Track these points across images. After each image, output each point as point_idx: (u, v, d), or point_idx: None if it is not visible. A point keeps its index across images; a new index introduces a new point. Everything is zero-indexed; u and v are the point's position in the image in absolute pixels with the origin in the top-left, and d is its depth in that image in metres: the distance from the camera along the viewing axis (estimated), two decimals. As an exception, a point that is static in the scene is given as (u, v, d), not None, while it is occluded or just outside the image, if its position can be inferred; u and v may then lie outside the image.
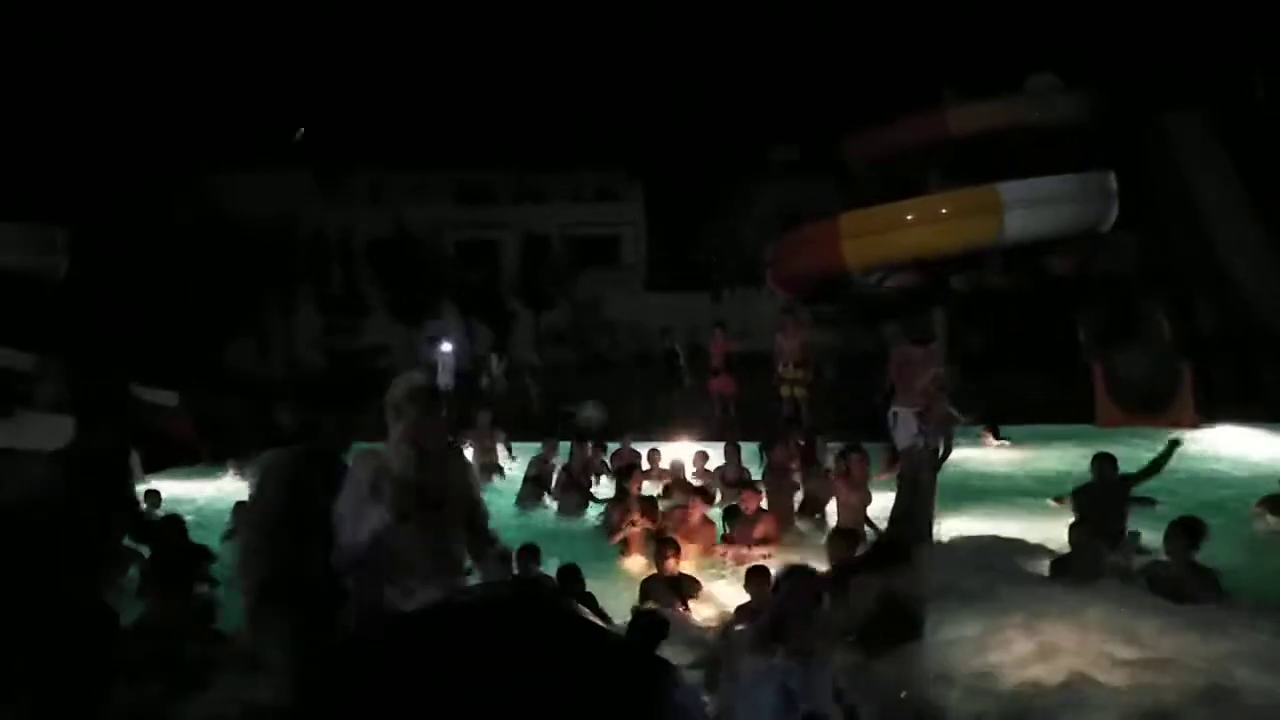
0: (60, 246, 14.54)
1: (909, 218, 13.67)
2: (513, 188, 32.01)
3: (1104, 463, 7.52)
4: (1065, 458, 11.11)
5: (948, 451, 7.87)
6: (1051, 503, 8.74)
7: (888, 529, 7.79)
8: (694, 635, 5.80)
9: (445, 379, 17.13)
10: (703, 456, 10.69)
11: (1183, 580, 5.67)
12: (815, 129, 20.37)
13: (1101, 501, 7.28)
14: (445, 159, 30.05)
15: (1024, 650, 5.05)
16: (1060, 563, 6.40)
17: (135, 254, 22.32)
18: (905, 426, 7.47)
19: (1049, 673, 4.81)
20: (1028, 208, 13.10)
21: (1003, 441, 12.42)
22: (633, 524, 8.07)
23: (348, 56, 27.50)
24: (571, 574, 6.20)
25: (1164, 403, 12.41)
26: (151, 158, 24.39)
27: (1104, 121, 15.83)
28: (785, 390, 13.52)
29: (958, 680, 4.89)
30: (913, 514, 7.53)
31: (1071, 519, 6.84)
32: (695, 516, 8.21)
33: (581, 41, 27.62)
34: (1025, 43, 18.45)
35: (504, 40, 28.30)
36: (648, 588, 6.45)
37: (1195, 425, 11.96)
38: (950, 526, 8.01)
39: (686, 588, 6.58)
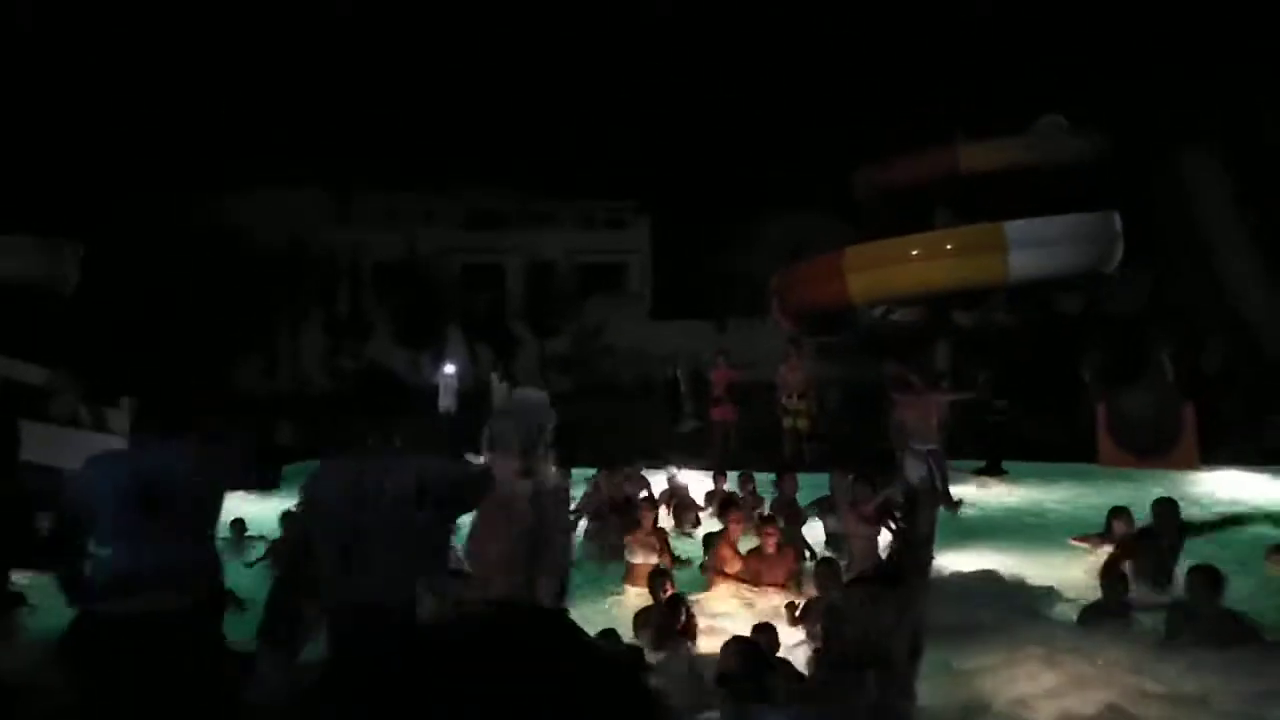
0: (70, 260, 14.59)
1: (914, 253, 13.72)
2: (521, 213, 32.18)
3: (1165, 508, 7.44)
4: (1067, 496, 11.09)
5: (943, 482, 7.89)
6: (1072, 541, 8.59)
7: (887, 562, 7.76)
8: (689, 667, 5.74)
9: (447, 401, 17.13)
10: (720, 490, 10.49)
11: (1217, 624, 5.62)
12: (824, 162, 20.50)
13: (1153, 547, 7.23)
14: (455, 184, 30.27)
15: (1051, 682, 5.07)
16: (1093, 607, 6.36)
17: (146, 270, 22.47)
18: (914, 462, 7.50)
19: (1082, 704, 4.81)
20: (1033, 247, 13.15)
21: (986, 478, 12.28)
22: (652, 549, 8.02)
23: (362, 80, 27.78)
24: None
25: (1166, 444, 12.39)
26: (163, 175, 24.61)
27: (1112, 161, 15.93)
28: (787, 421, 13.53)
29: (993, 710, 4.87)
30: (912, 549, 7.52)
31: (1099, 558, 6.79)
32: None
33: (591, 71, 27.88)
34: (1034, 82, 18.60)
35: (516, 68, 28.59)
36: (642, 618, 6.39)
37: (1196, 467, 11.95)
38: (955, 563, 8.01)
39: (682, 619, 6.50)
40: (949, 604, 6.53)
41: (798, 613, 6.50)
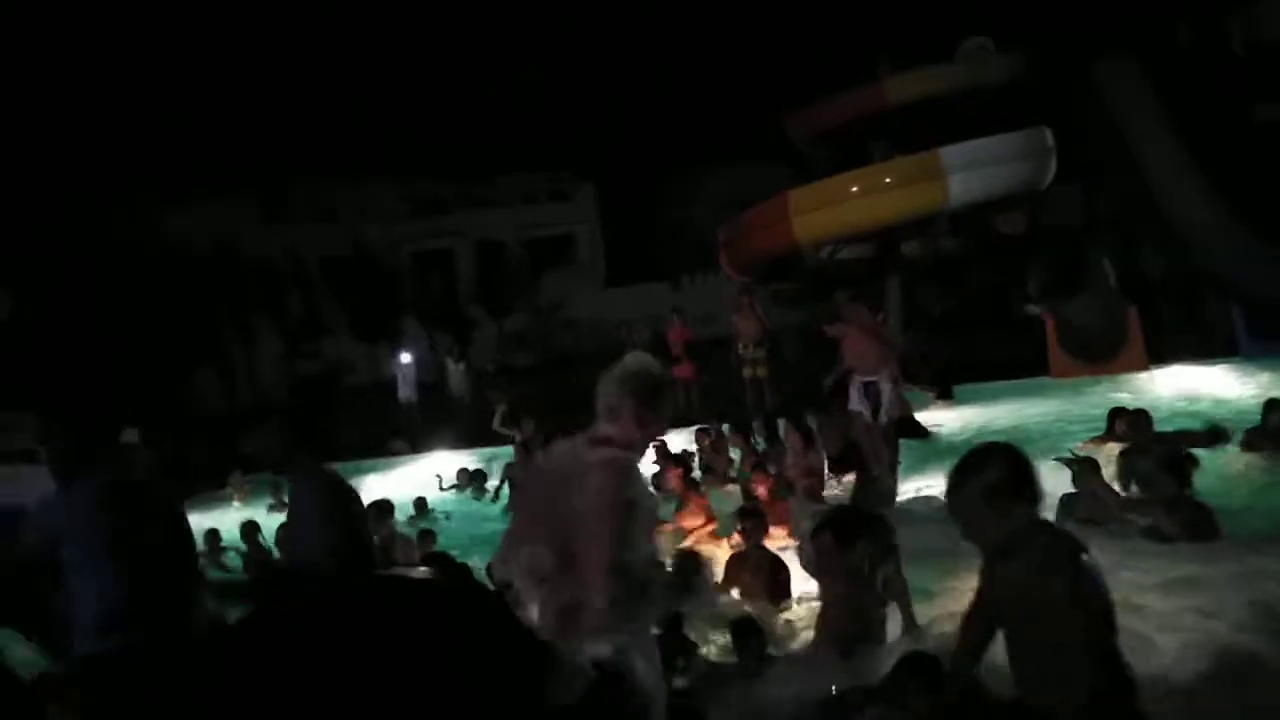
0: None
1: (854, 189, 13.79)
2: (462, 196, 31.88)
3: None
4: (1030, 412, 11.26)
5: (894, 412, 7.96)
6: (1079, 448, 8.07)
7: (853, 498, 7.88)
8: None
9: (406, 391, 17.03)
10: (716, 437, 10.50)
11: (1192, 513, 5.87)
12: (759, 110, 20.44)
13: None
14: (393, 173, 29.91)
15: None
16: (1068, 499, 6.47)
17: (84, 291, 21.98)
18: (856, 395, 7.62)
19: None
20: (970, 169, 13.28)
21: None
22: None
23: (289, 77, 27.19)
24: None
25: (1114, 349, 12.65)
26: (89, 190, 23.93)
27: (1037, 78, 16.05)
28: (746, 370, 13.61)
29: None
30: (873, 481, 7.65)
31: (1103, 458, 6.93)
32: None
33: (512, 42, 27.55)
34: (954, 6, 18.64)
35: (443, 49, 28.13)
36: None
37: (1146, 368, 12.23)
38: (927, 489, 8.08)
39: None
40: (925, 531, 6.61)
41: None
